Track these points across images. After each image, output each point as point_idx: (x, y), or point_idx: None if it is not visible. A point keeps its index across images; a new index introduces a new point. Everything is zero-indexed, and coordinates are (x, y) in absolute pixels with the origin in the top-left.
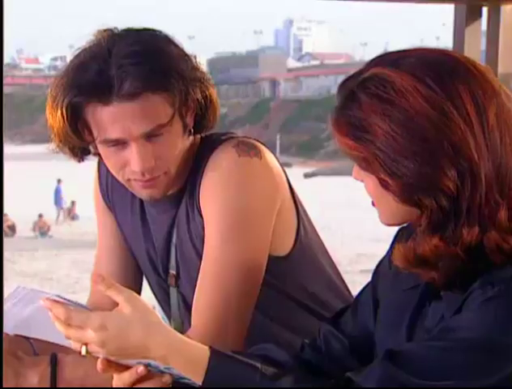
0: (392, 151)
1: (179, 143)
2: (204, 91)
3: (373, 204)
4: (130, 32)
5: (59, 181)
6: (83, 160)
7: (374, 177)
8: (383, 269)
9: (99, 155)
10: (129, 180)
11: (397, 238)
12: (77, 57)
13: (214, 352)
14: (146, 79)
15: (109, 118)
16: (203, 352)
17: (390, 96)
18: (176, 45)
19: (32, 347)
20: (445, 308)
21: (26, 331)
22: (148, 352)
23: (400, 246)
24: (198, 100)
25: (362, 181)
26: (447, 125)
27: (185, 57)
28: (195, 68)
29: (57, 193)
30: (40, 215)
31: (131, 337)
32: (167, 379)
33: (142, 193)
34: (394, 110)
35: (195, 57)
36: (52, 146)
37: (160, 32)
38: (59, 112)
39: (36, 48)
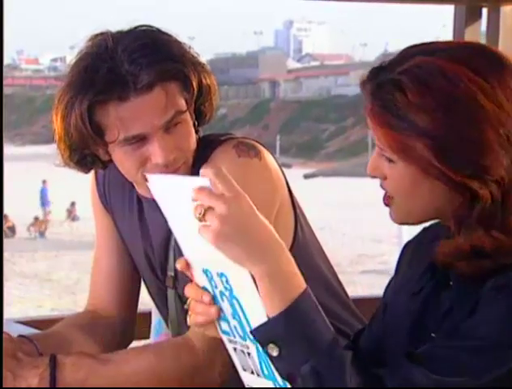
0: (447, 140)
1: (193, 131)
2: (209, 77)
3: (387, 202)
4: (126, 31)
5: (44, 182)
6: (89, 172)
7: (414, 166)
8: (392, 283)
9: (105, 164)
10: None
11: (402, 253)
12: (83, 60)
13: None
14: (160, 69)
15: (129, 115)
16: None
17: (440, 84)
18: (170, 35)
19: (35, 347)
20: (455, 299)
21: None
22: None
23: (450, 241)
24: (206, 86)
25: (380, 176)
26: (501, 113)
27: (184, 44)
28: (195, 54)
29: (43, 194)
30: (36, 218)
31: (253, 230)
32: (214, 312)
33: None
34: (445, 98)
35: (190, 47)
36: (57, 161)
37: (150, 25)
38: (76, 113)
39: (35, 48)
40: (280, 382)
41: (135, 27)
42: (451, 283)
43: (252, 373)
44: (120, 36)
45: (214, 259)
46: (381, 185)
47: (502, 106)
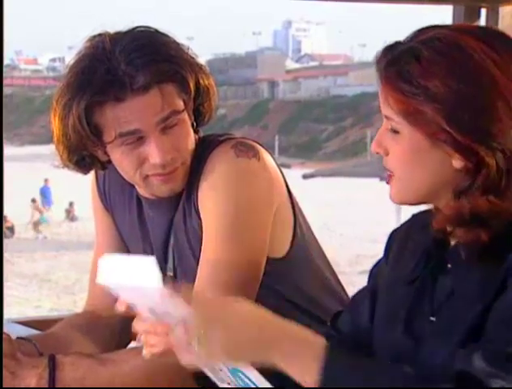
0: (458, 107)
1: (191, 132)
2: (207, 78)
3: (388, 181)
4: (123, 32)
5: (46, 180)
6: (88, 172)
7: (420, 133)
8: (380, 269)
9: (103, 165)
10: (147, 177)
11: (390, 240)
12: (81, 61)
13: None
14: (156, 70)
15: (125, 113)
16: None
17: (455, 54)
18: (167, 36)
19: (35, 347)
20: (456, 282)
21: None
22: (264, 345)
23: (448, 207)
24: (202, 87)
25: (384, 153)
26: None
27: (182, 45)
28: (193, 56)
29: (46, 194)
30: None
31: (245, 331)
32: (171, 339)
33: (162, 188)
34: (459, 68)
35: (188, 48)
36: (56, 162)
37: (148, 26)
38: (74, 115)
39: (34, 49)
40: None
41: (133, 28)
42: (449, 266)
43: None
44: (117, 37)
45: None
46: (384, 164)
47: None
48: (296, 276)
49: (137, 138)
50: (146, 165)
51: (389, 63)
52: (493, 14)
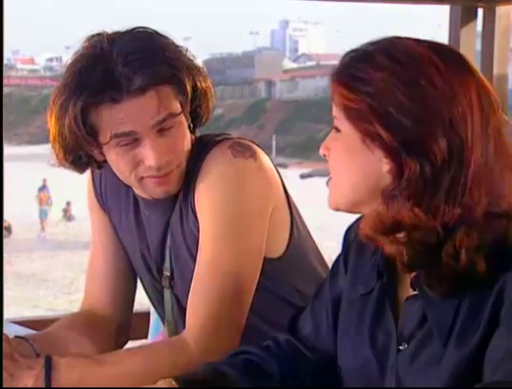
0: (392, 107)
1: (187, 135)
2: (204, 81)
3: (328, 183)
4: (122, 33)
5: (44, 180)
6: (84, 172)
7: (357, 132)
8: (340, 268)
9: (100, 164)
10: (142, 179)
11: (347, 235)
12: (78, 61)
13: None
14: (154, 73)
15: (121, 115)
16: None
17: (403, 59)
18: (167, 38)
19: (32, 347)
20: (425, 305)
21: None
22: None
23: (373, 213)
24: (199, 90)
25: (328, 154)
26: (452, 99)
27: (181, 48)
28: (191, 58)
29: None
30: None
31: None
32: None
33: (157, 190)
34: (403, 71)
35: (186, 50)
36: (52, 161)
37: (147, 27)
38: (70, 116)
39: (31, 48)
40: None
41: (132, 29)
42: (416, 292)
43: None
44: (116, 38)
45: None
46: (328, 167)
47: (455, 94)
48: (293, 276)
49: (132, 140)
50: (141, 167)
51: (341, 63)
52: (490, 14)
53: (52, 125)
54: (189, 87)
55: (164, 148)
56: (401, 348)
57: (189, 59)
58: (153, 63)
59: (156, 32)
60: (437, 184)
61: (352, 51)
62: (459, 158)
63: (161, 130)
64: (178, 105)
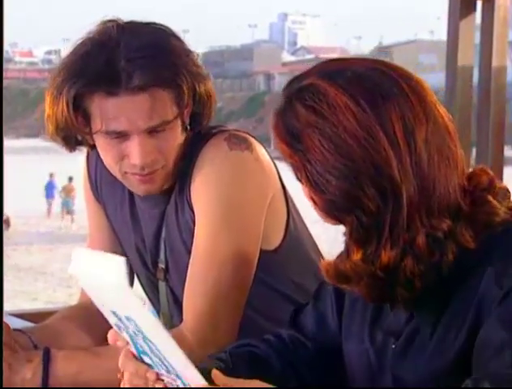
0: (319, 165)
1: (179, 138)
2: (205, 86)
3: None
4: (136, 25)
5: (51, 175)
6: (74, 150)
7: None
8: None
9: (93, 146)
10: (125, 173)
11: None
12: (83, 45)
13: None
14: (155, 74)
15: (115, 110)
16: None
17: (323, 110)
18: (180, 41)
19: (30, 340)
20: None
21: None
22: None
23: (325, 262)
24: (200, 95)
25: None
26: (372, 145)
27: (189, 53)
28: (197, 64)
29: (50, 187)
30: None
31: None
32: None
33: (139, 188)
34: (325, 124)
35: (197, 55)
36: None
37: (165, 26)
38: (63, 100)
39: (29, 41)
40: None
41: (147, 24)
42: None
43: None
44: (127, 29)
45: (121, 305)
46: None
47: (374, 137)
48: (289, 268)
49: (122, 135)
50: (125, 162)
51: (276, 110)
52: (489, 6)
53: (47, 103)
54: (187, 94)
55: (151, 148)
56: (393, 346)
57: (195, 66)
58: (156, 65)
59: (172, 33)
60: (380, 230)
61: (285, 91)
62: (394, 199)
63: (152, 131)
64: (174, 111)
